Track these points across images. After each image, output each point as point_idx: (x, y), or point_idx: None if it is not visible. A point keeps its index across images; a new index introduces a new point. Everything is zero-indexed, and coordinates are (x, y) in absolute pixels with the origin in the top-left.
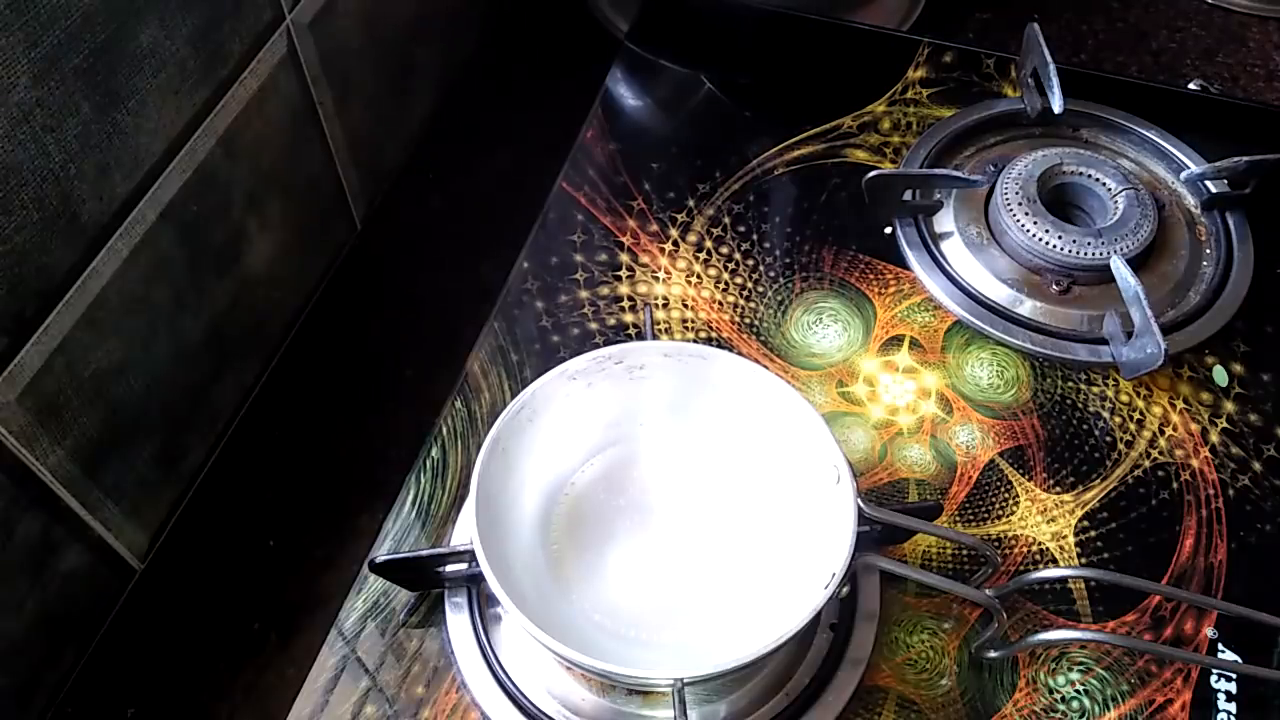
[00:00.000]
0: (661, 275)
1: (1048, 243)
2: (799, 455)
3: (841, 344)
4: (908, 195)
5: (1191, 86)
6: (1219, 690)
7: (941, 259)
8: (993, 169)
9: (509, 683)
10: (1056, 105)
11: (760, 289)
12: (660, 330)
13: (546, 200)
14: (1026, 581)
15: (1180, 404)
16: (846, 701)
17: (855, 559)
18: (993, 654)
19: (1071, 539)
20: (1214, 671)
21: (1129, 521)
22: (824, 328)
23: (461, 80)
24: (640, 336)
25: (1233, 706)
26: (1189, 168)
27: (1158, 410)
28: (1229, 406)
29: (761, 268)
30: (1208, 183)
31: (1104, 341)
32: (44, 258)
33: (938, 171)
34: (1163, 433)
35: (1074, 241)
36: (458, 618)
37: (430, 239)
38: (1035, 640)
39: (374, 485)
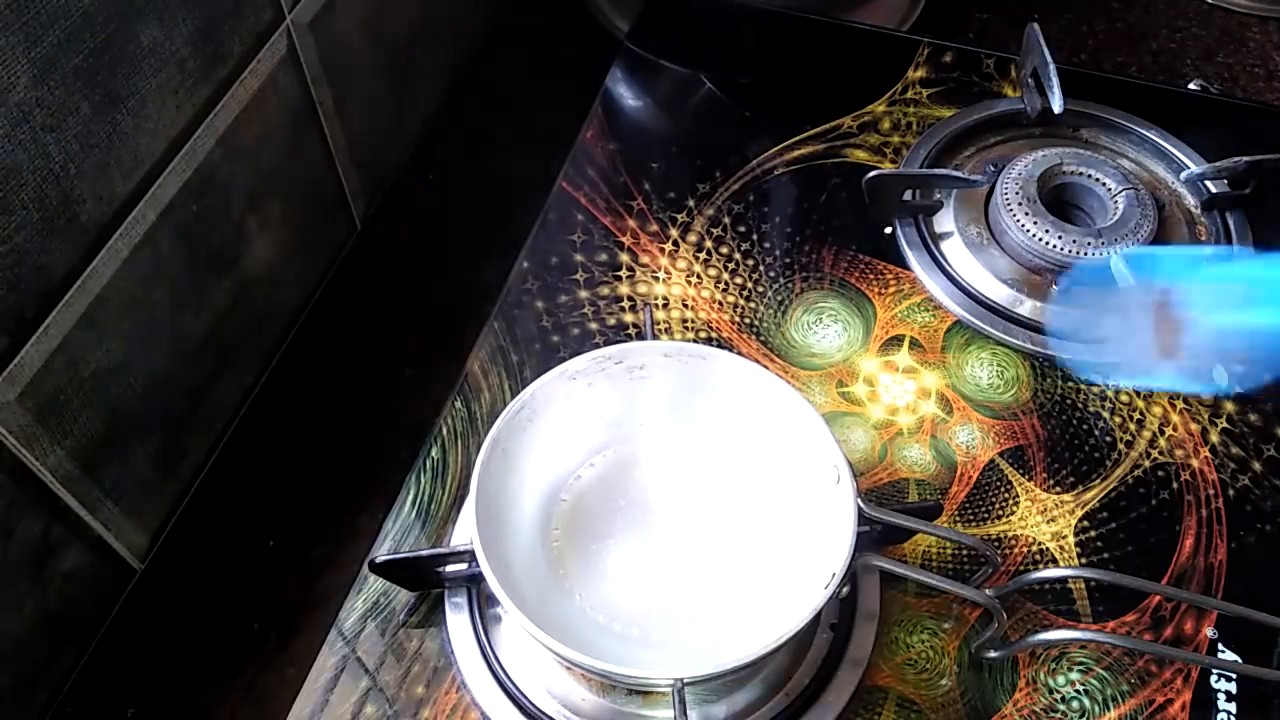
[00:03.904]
0: (661, 275)
1: (1048, 243)
2: (799, 455)
3: (841, 344)
4: (908, 195)
5: (1191, 86)
6: (1219, 690)
7: (941, 259)
8: (993, 169)
9: (509, 683)
10: (1056, 105)
11: (760, 289)
12: (660, 330)
13: (546, 200)
14: (1026, 581)
15: (1180, 404)
16: (846, 701)
17: (855, 559)
18: (993, 654)
19: (1071, 539)
20: (1214, 671)
21: (1129, 521)
22: (824, 328)
23: (461, 80)
24: (640, 336)
25: (1233, 706)
26: (1189, 168)
27: (1158, 410)
28: (1229, 406)
29: (761, 268)
30: (1208, 183)
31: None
32: (44, 258)
33: (938, 171)
34: (1163, 433)
35: (1074, 241)
36: (458, 618)
37: (430, 239)
38: (1035, 640)
39: (374, 485)
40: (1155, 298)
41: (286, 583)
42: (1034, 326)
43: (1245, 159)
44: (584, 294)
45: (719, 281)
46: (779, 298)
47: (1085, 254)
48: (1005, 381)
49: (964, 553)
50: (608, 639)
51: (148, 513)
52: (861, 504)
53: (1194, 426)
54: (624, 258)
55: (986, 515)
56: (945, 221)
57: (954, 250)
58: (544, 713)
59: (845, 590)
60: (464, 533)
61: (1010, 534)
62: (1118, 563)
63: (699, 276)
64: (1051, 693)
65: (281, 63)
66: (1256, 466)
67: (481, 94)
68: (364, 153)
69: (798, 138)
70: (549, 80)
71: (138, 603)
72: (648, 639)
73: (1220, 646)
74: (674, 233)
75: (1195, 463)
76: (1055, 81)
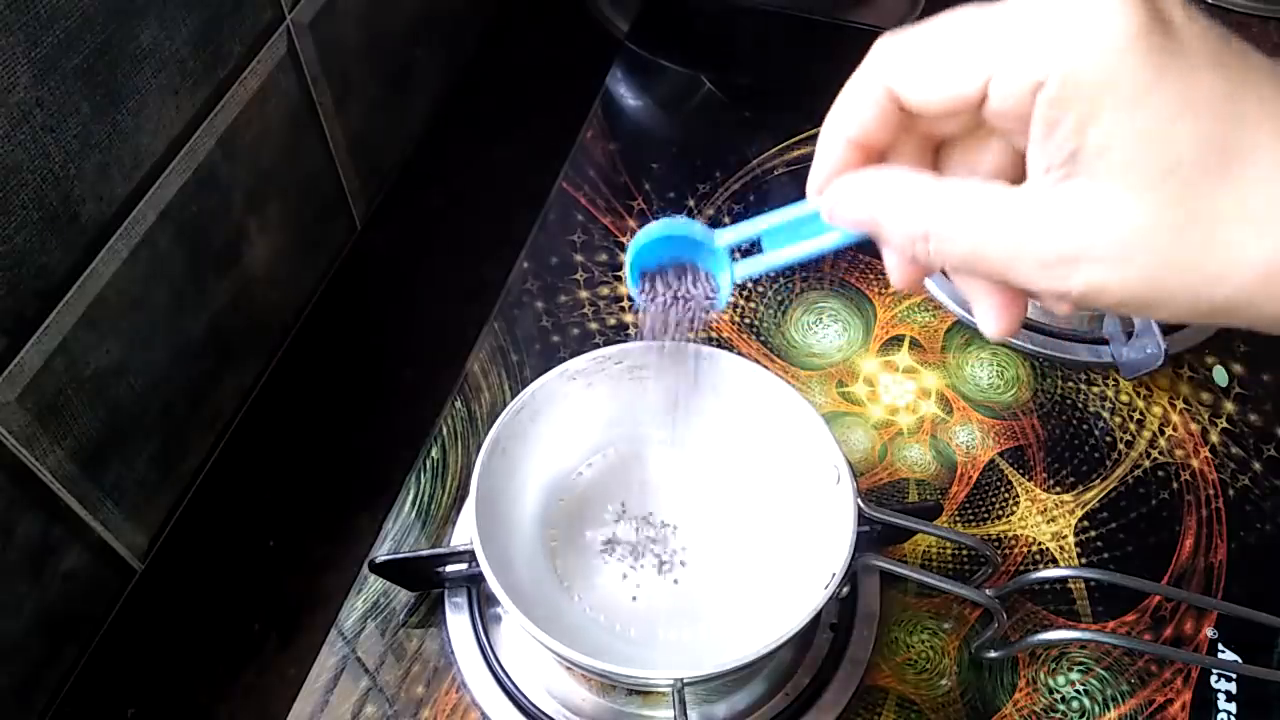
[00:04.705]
0: None
1: None
2: (799, 455)
3: (841, 344)
4: None
5: None
6: (1219, 690)
7: None
8: None
9: (509, 683)
10: None
11: (760, 289)
12: None
13: (546, 200)
14: (1026, 581)
15: (1180, 404)
16: (846, 701)
17: (855, 559)
18: (993, 654)
19: (1071, 539)
20: (1214, 671)
21: (1129, 521)
22: (824, 328)
23: (461, 80)
24: (640, 336)
25: (1233, 706)
26: None
27: (1158, 410)
28: (1229, 406)
29: None
30: None
31: (1104, 341)
32: (44, 258)
33: None
34: (1163, 433)
35: None
36: (458, 618)
37: (430, 239)
38: (1035, 640)
39: (374, 485)
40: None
41: (286, 583)
42: (1034, 326)
43: None
44: (584, 294)
45: None
46: (779, 298)
47: None
48: (1005, 381)
49: (964, 553)
50: (608, 639)
51: (148, 513)
52: (861, 504)
53: (1194, 426)
54: (624, 258)
55: (986, 515)
56: None
57: None
58: (544, 713)
59: (845, 590)
60: (464, 533)
61: (1010, 534)
62: (1118, 563)
63: None
64: (1051, 693)
65: (281, 63)
66: (1256, 466)
67: (481, 94)
68: (364, 153)
69: (798, 138)
70: (549, 80)
71: (138, 603)
72: (648, 639)
73: (1220, 646)
74: None
75: (1195, 463)
76: None
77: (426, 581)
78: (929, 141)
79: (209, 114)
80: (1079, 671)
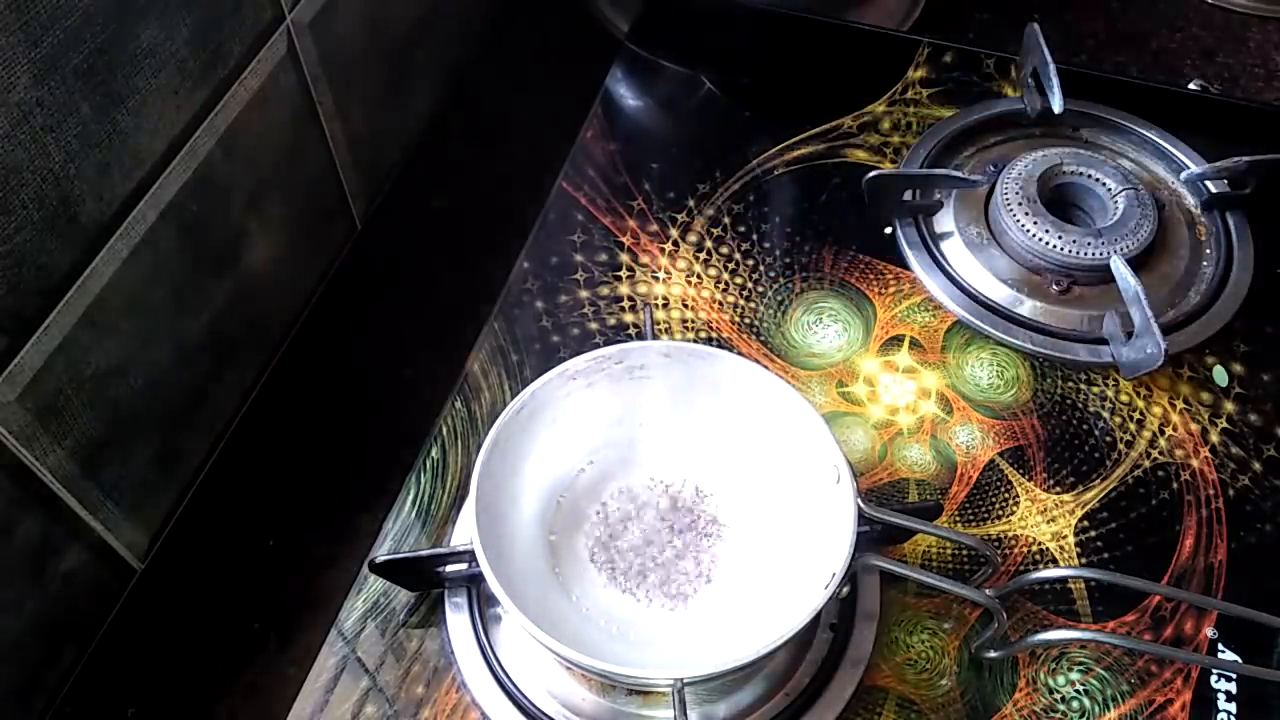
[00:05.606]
0: (661, 275)
1: (1048, 243)
2: (799, 455)
3: (841, 344)
4: (908, 195)
5: (1191, 86)
6: (1219, 690)
7: (941, 259)
8: (993, 169)
9: (509, 683)
10: (1056, 105)
11: (760, 289)
12: (660, 330)
13: (546, 200)
14: (1026, 581)
15: (1180, 404)
16: (846, 701)
17: (855, 559)
18: (993, 654)
19: (1071, 539)
20: (1214, 671)
21: (1129, 521)
22: (824, 328)
23: (461, 80)
24: (640, 336)
25: (1233, 706)
26: (1189, 168)
27: (1158, 410)
28: (1229, 406)
29: (761, 268)
30: (1208, 183)
31: (1104, 341)
32: (44, 258)
33: (938, 171)
34: (1163, 433)
35: (1074, 241)
36: (458, 618)
37: (430, 239)
38: (1035, 640)
39: (374, 485)
40: None
41: (286, 583)
42: (1034, 326)
43: (1245, 159)
44: (584, 294)
45: (719, 281)
46: (779, 298)
47: (1085, 254)
48: (1005, 381)
49: (964, 553)
50: (607, 639)
51: (148, 513)
52: (861, 504)
53: (1194, 426)
54: (624, 258)
55: (986, 515)
56: (945, 221)
57: (954, 250)
58: (544, 713)
59: (845, 590)
60: (464, 533)
61: (1010, 534)
62: (1118, 563)
63: (699, 276)
64: (1051, 693)
65: (281, 63)
66: (1256, 466)
67: (481, 94)
68: (364, 153)
69: (798, 138)
70: (549, 80)
71: (138, 603)
72: (648, 639)
73: (1220, 646)
74: (674, 233)
75: (1195, 463)
76: (1055, 81)
77: (426, 581)
78: None
79: (209, 114)
80: (1079, 671)
